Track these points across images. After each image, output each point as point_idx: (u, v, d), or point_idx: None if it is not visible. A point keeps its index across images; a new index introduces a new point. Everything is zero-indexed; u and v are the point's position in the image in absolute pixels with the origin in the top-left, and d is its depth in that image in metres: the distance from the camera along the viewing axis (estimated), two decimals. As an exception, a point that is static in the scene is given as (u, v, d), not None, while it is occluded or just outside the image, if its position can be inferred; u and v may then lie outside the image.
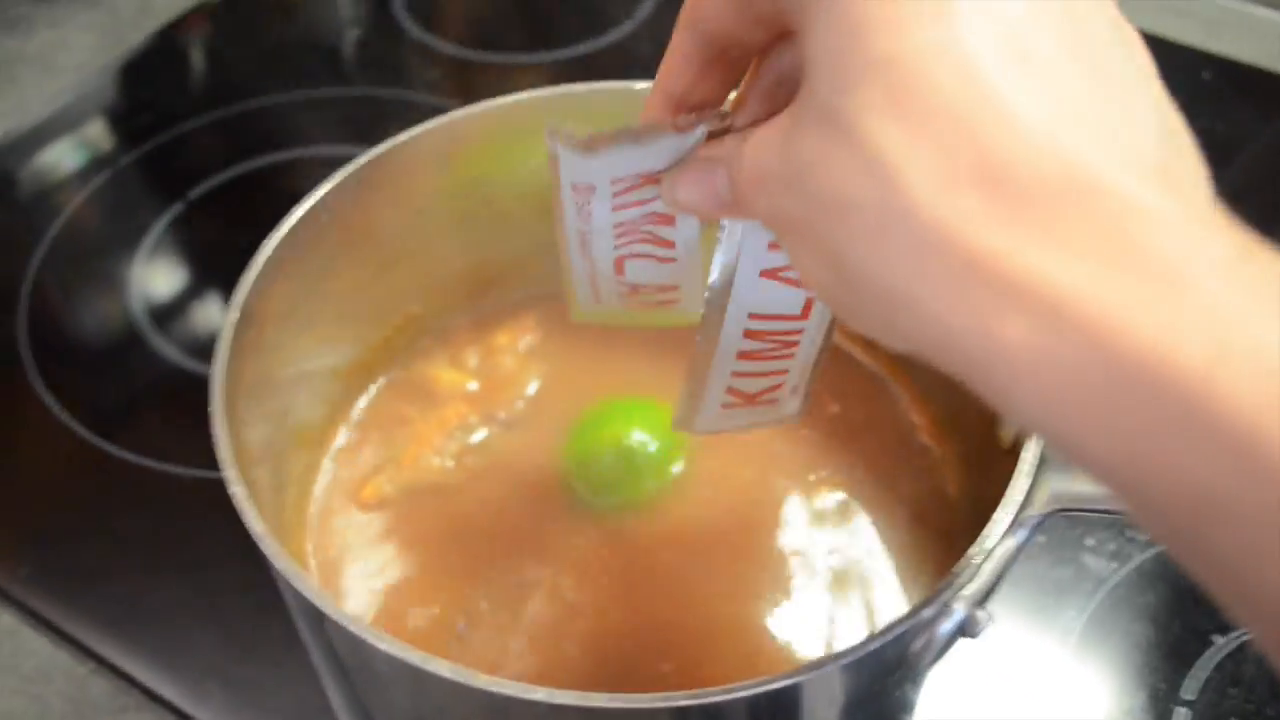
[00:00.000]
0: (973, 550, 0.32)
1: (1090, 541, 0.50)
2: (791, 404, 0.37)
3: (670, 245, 0.32)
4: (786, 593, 0.41)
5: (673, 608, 0.41)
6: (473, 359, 0.48)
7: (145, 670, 0.47)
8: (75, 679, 0.47)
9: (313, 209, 0.42)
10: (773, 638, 0.40)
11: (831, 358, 0.47)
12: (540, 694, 0.30)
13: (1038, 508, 0.33)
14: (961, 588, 0.32)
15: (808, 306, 0.32)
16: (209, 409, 0.36)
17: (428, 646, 0.39)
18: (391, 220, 0.45)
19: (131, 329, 0.61)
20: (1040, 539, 0.50)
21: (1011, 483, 0.33)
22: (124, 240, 0.65)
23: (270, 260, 0.40)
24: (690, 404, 0.35)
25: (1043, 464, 0.34)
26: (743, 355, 0.33)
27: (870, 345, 0.48)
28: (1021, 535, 0.33)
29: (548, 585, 0.41)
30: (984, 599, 0.33)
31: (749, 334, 0.32)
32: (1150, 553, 0.50)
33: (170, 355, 0.59)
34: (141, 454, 0.54)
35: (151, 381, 0.59)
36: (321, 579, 0.42)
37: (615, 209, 0.31)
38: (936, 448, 0.45)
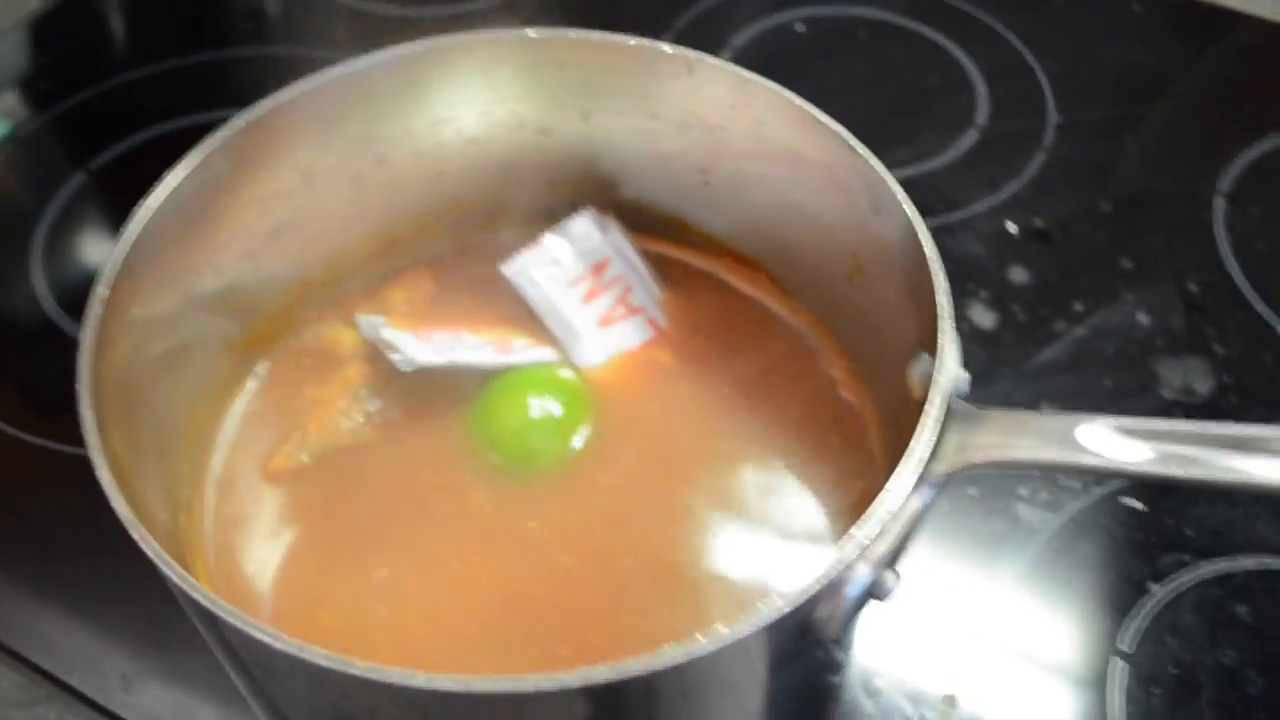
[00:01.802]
0: (873, 509, 0.30)
1: (1023, 492, 0.49)
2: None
3: None
4: (704, 555, 0.39)
5: (586, 574, 0.39)
6: (369, 313, 0.46)
7: (55, 662, 0.45)
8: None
9: (189, 176, 0.39)
10: (689, 605, 0.38)
11: (749, 311, 0.46)
12: (420, 679, 0.28)
13: (946, 464, 0.32)
14: (864, 550, 0.30)
15: None
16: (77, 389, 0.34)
17: (341, 621, 0.38)
18: (279, 183, 0.42)
19: (39, 310, 0.58)
20: (971, 491, 0.49)
21: (914, 437, 0.31)
22: (26, 216, 0.62)
23: (144, 232, 0.38)
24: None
25: (950, 418, 0.32)
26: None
27: (791, 299, 0.46)
28: (928, 494, 0.32)
29: (461, 552, 0.39)
30: (892, 560, 0.32)
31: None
32: (1085, 502, 0.48)
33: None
34: (51, 438, 0.52)
35: (62, 363, 0.56)
36: (224, 556, 0.40)
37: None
38: (858, 403, 0.43)
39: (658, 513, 0.41)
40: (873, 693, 0.43)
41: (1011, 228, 0.58)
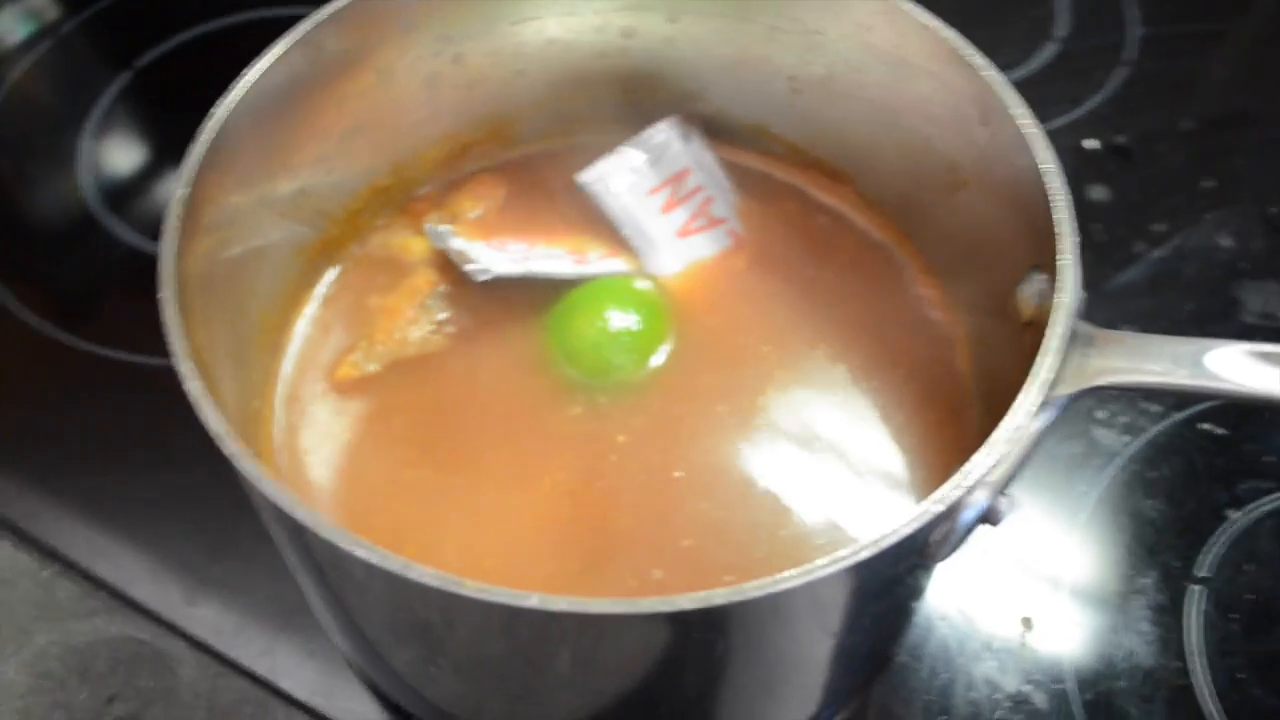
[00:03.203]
0: (997, 433, 0.29)
1: (1101, 415, 0.48)
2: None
3: None
4: (789, 477, 0.39)
5: (666, 498, 0.38)
6: (439, 221, 0.45)
7: (113, 571, 0.45)
8: (40, 582, 0.45)
9: (267, 73, 0.37)
10: (777, 529, 0.38)
11: (832, 225, 0.45)
12: (534, 600, 0.27)
13: (1069, 386, 0.31)
14: (986, 474, 0.29)
15: None
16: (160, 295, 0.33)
17: (408, 536, 0.38)
18: (356, 82, 0.41)
19: (84, 210, 0.57)
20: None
21: (1038, 358, 0.30)
22: (70, 115, 0.60)
23: (222, 131, 0.36)
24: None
25: (1072, 339, 0.31)
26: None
27: (877, 213, 0.44)
28: (1049, 416, 0.31)
29: (535, 468, 0.39)
30: (1006, 484, 0.31)
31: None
32: (1164, 425, 0.48)
33: (126, 237, 0.55)
34: (102, 344, 0.51)
35: (108, 266, 0.55)
36: (293, 468, 0.40)
37: None
38: (945, 321, 0.42)
39: (739, 429, 0.40)
40: (949, 615, 0.43)
41: (1091, 144, 0.56)
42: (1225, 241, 0.53)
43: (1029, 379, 0.30)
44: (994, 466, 0.29)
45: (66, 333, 0.52)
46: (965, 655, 0.42)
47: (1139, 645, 0.43)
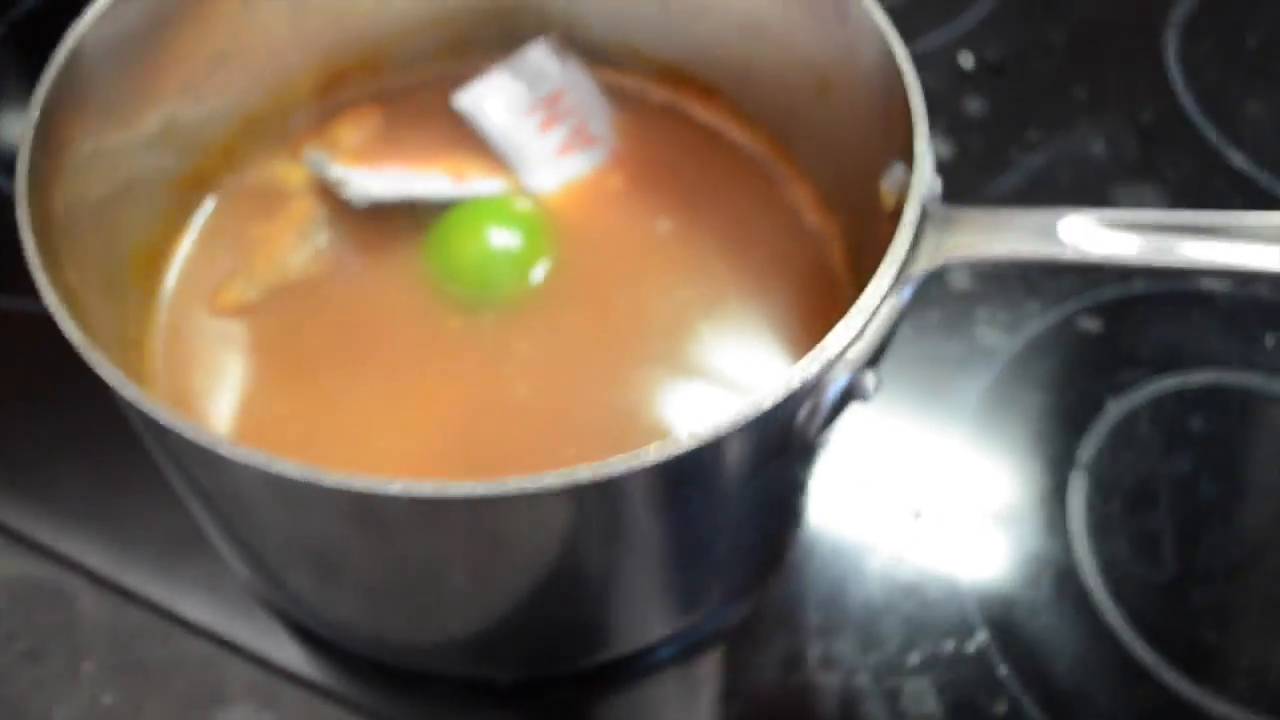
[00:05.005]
0: (854, 308, 0.30)
1: (982, 314, 0.49)
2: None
3: None
4: (669, 383, 0.39)
5: (553, 406, 0.39)
6: (316, 150, 0.44)
7: (12, 513, 0.44)
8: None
9: (122, -3, 0.37)
10: (650, 426, 0.38)
11: (708, 139, 0.45)
12: (397, 487, 0.27)
13: (924, 263, 0.32)
14: (845, 348, 0.30)
15: None
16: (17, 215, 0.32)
17: (298, 454, 0.38)
18: (216, 7, 0.40)
19: None
20: (932, 314, 0.49)
21: (895, 235, 0.31)
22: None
23: (75, 60, 0.36)
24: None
25: (927, 218, 0.32)
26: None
27: (750, 124, 0.45)
28: (907, 292, 0.31)
29: (422, 385, 0.39)
30: (872, 362, 0.32)
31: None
32: (1043, 324, 0.49)
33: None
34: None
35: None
36: (174, 396, 0.39)
37: None
38: (822, 226, 0.43)
39: (618, 342, 0.40)
40: (838, 512, 0.44)
41: (965, 61, 0.57)
42: (1097, 148, 0.55)
43: (887, 254, 0.31)
44: (852, 341, 0.30)
45: None
46: (857, 550, 0.43)
47: (1025, 532, 0.44)
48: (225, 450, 0.28)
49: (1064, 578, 0.43)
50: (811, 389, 0.30)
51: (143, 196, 0.41)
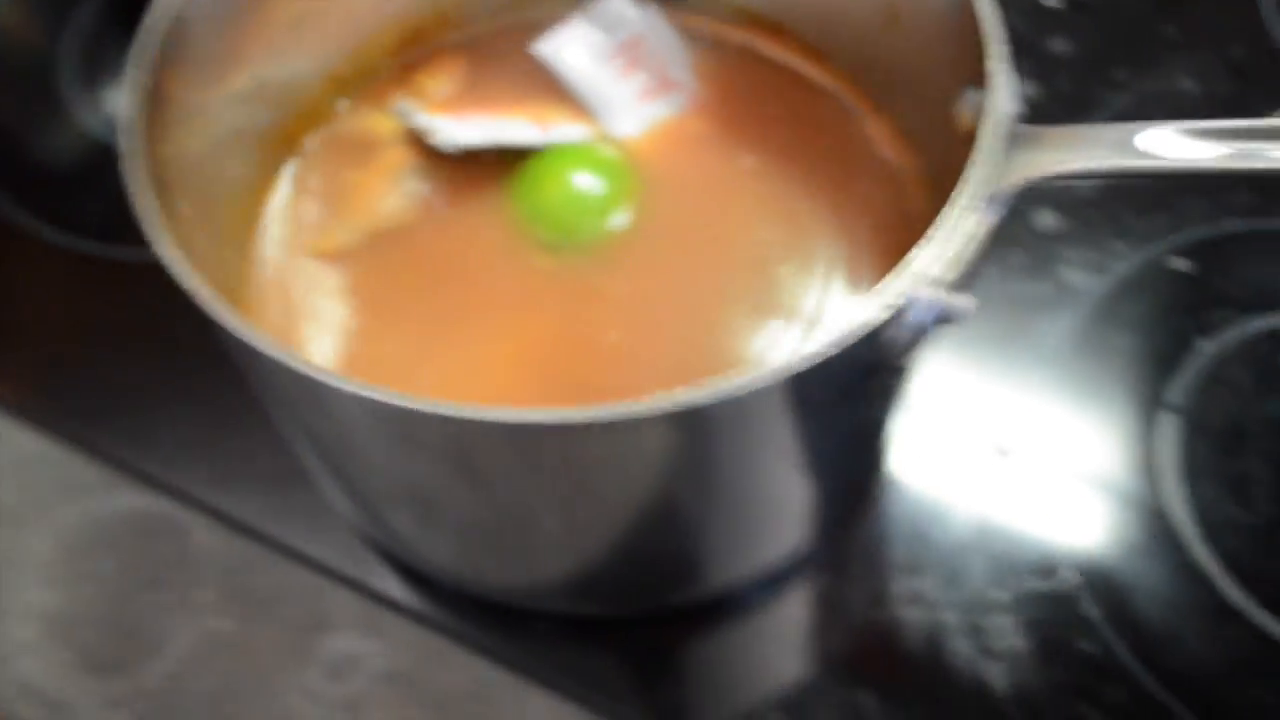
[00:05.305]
0: (936, 227, 0.30)
1: (1069, 254, 0.48)
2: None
3: None
4: (750, 321, 0.40)
5: (635, 341, 0.39)
6: (404, 100, 0.46)
7: (131, 451, 0.47)
8: (62, 464, 0.47)
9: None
10: (735, 363, 0.39)
11: (783, 77, 0.46)
12: (502, 414, 0.28)
13: (1007, 181, 0.31)
14: (928, 267, 0.30)
15: None
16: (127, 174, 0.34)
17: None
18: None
19: (57, 103, 0.58)
20: (1017, 256, 0.49)
21: (974, 150, 0.31)
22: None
23: (174, 18, 0.37)
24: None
25: (1008, 138, 0.32)
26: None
27: (822, 60, 0.45)
28: (990, 213, 0.31)
29: (513, 324, 0.40)
30: (960, 285, 0.32)
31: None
32: (1132, 264, 0.48)
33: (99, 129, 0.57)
34: (86, 238, 0.53)
35: (88, 155, 0.57)
36: (279, 339, 0.41)
37: None
38: (897, 160, 0.43)
39: (702, 282, 0.41)
40: (923, 447, 0.44)
41: (1051, 1, 0.57)
42: (1187, 85, 0.54)
43: (966, 172, 0.31)
44: (937, 261, 0.30)
45: (51, 227, 0.54)
46: (941, 489, 0.43)
47: (1113, 472, 0.44)
48: (332, 381, 0.29)
49: (1153, 519, 0.43)
50: (902, 308, 0.30)
51: (239, 150, 0.42)
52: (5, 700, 0.42)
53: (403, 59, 0.46)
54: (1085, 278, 0.48)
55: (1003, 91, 0.32)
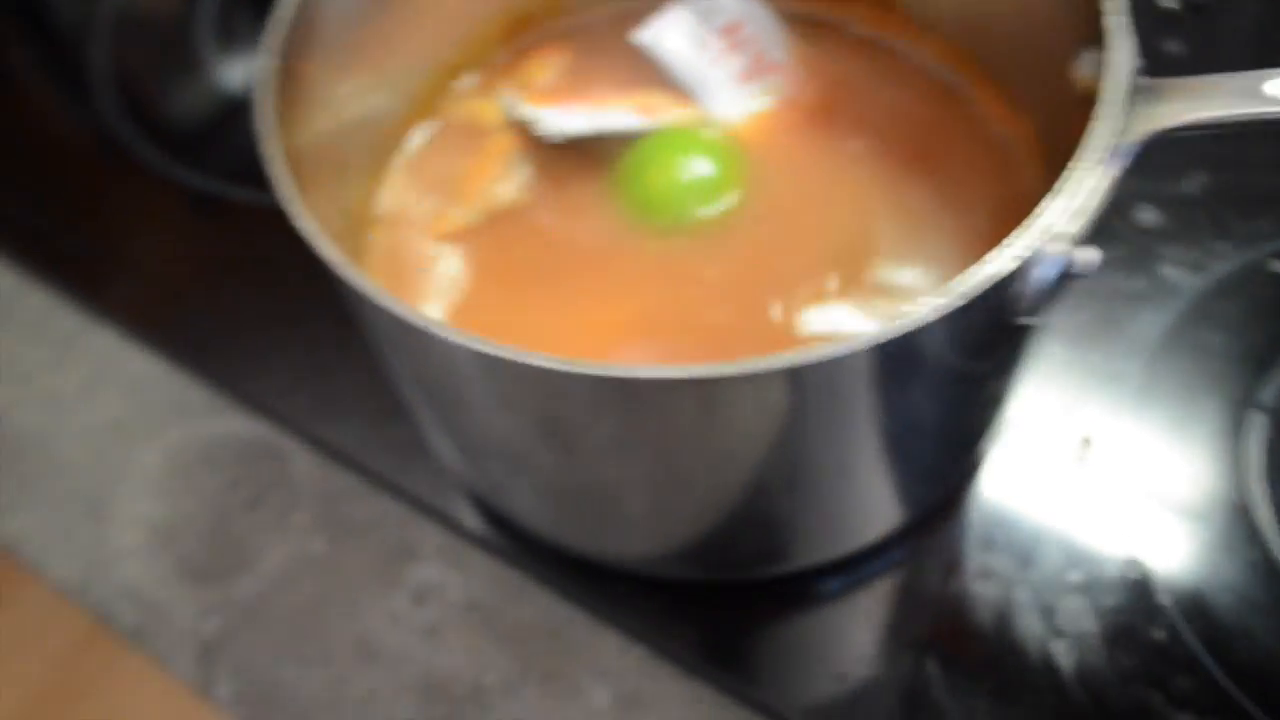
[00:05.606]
0: (1064, 180, 0.30)
1: (1168, 251, 0.48)
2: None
3: None
4: (859, 304, 0.40)
5: (741, 323, 0.40)
6: (509, 91, 0.47)
7: (241, 380, 0.49)
8: (176, 385, 0.50)
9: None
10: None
11: (885, 56, 0.46)
12: (608, 369, 0.28)
13: (1133, 134, 0.31)
14: (1056, 220, 0.30)
15: None
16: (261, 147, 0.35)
17: None
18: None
19: (193, 56, 0.62)
20: (1115, 250, 0.48)
21: (1098, 104, 0.31)
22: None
23: (302, 5, 0.38)
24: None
25: (1132, 91, 0.32)
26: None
27: (927, 37, 0.45)
28: (1117, 165, 0.31)
29: (619, 307, 0.41)
30: (1084, 238, 0.31)
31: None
32: (1232, 264, 0.48)
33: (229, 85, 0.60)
34: (212, 179, 0.56)
35: (217, 107, 0.60)
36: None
37: None
38: (1010, 133, 0.42)
39: (814, 264, 0.41)
40: (1009, 430, 0.44)
41: (1168, 3, 0.56)
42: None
43: (1091, 125, 0.30)
44: (1066, 213, 0.30)
45: (183, 168, 0.57)
46: (1023, 472, 0.44)
47: (1197, 467, 0.43)
48: (444, 333, 0.29)
49: (1235, 516, 0.42)
50: (1028, 260, 0.30)
51: (361, 134, 0.44)
52: (105, 601, 0.44)
53: (512, 47, 0.48)
54: (1183, 275, 0.48)
55: (1123, 46, 0.32)
